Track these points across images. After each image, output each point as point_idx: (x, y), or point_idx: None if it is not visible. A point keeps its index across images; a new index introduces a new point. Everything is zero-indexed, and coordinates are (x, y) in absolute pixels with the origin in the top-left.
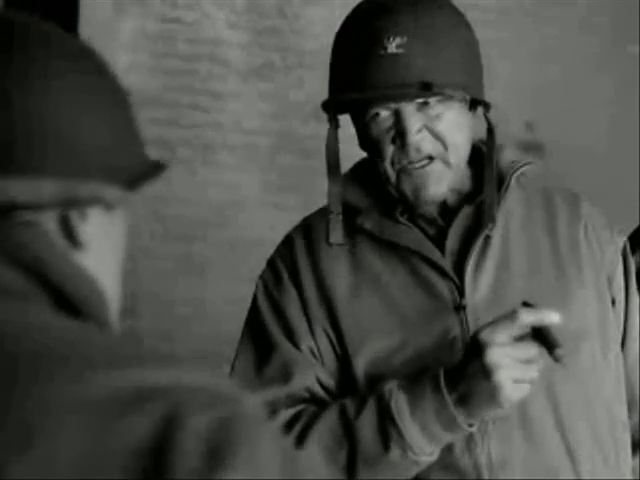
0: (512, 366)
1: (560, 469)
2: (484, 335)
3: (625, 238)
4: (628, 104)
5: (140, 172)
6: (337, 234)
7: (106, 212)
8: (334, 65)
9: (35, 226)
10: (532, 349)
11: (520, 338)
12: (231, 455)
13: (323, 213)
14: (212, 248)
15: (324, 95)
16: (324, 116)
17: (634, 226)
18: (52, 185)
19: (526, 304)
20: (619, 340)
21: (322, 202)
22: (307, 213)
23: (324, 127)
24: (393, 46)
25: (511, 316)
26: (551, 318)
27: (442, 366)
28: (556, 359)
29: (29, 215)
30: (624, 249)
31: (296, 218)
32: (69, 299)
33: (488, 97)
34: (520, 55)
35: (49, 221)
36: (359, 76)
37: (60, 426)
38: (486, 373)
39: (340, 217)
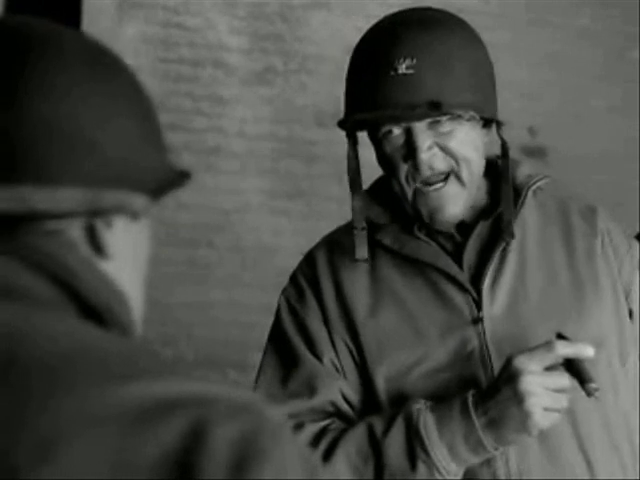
0: (544, 394)
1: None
2: (519, 362)
3: None
4: (630, 110)
5: (166, 181)
6: (362, 250)
7: (131, 221)
8: (348, 85)
9: (61, 235)
10: (564, 379)
11: (550, 368)
12: (258, 464)
13: (345, 230)
14: (216, 253)
15: (326, 100)
16: (327, 121)
17: (634, 232)
18: (77, 194)
19: (560, 336)
20: (637, 349)
21: (325, 207)
22: (310, 218)
23: (326, 132)
24: (403, 67)
25: (548, 346)
26: (586, 352)
27: (471, 389)
28: (588, 393)
29: (54, 224)
30: None
31: (299, 223)
32: (94, 307)
33: None
34: (523, 61)
35: (75, 230)
36: (371, 96)
37: (79, 439)
38: (518, 399)
39: (365, 232)
